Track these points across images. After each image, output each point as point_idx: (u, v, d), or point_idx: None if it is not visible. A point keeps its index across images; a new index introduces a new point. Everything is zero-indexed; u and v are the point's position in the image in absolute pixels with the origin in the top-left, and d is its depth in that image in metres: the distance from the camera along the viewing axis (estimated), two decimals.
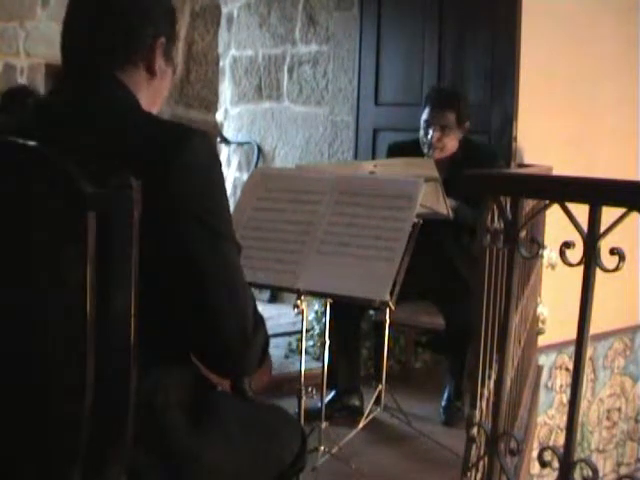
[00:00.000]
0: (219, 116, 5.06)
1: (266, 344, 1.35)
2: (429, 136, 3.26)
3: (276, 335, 4.10)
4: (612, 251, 1.37)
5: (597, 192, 1.43)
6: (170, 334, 1.30)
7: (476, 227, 1.79)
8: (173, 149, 1.23)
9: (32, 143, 1.20)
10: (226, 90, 5.56)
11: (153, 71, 1.39)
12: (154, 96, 1.42)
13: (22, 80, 5.35)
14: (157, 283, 1.23)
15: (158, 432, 1.30)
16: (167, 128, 1.30)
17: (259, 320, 1.34)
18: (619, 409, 4.95)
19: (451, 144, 3.28)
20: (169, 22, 1.44)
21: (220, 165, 1.31)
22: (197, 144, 1.25)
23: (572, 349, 1.50)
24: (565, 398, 4.41)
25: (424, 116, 3.30)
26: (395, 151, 3.41)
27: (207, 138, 1.29)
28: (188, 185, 1.23)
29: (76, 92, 1.36)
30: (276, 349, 3.88)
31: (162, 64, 1.41)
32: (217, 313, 1.26)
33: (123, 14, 1.36)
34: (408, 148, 3.35)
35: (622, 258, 1.37)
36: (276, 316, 4.61)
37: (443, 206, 2.95)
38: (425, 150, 3.29)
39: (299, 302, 2.55)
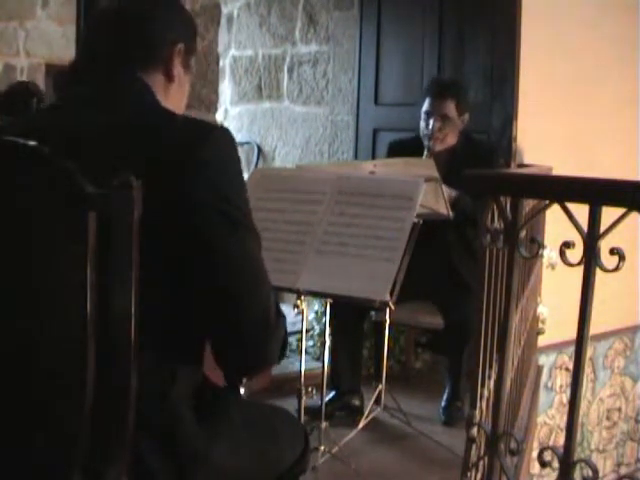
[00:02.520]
0: (219, 116, 5.06)
1: (285, 338, 1.36)
2: (430, 126, 3.26)
3: None
4: (612, 251, 1.37)
5: (597, 192, 1.43)
6: (183, 332, 1.30)
7: (476, 217, 1.79)
8: (196, 144, 1.26)
9: (32, 143, 1.20)
10: (226, 90, 5.56)
11: (171, 76, 1.43)
12: (172, 101, 1.44)
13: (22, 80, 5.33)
14: (176, 278, 1.25)
15: (164, 431, 1.30)
16: (189, 125, 1.32)
17: (280, 312, 1.35)
18: (619, 409, 4.95)
19: (451, 135, 3.29)
20: (188, 31, 1.48)
21: (239, 159, 1.33)
22: (218, 139, 1.29)
23: (572, 349, 1.50)
24: (565, 398, 4.41)
25: (424, 107, 3.30)
26: (396, 149, 3.41)
27: (227, 133, 1.32)
28: (210, 178, 1.26)
29: (99, 93, 1.37)
30: None
31: (181, 72, 1.45)
32: (239, 303, 1.27)
33: (142, 19, 1.40)
34: (409, 145, 3.36)
35: (622, 258, 1.37)
36: None
37: (443, 206, 2.95)
38: (425, 142, 3.29)
39: (299, 302, 2.55)
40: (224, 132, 1.32)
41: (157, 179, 1.20)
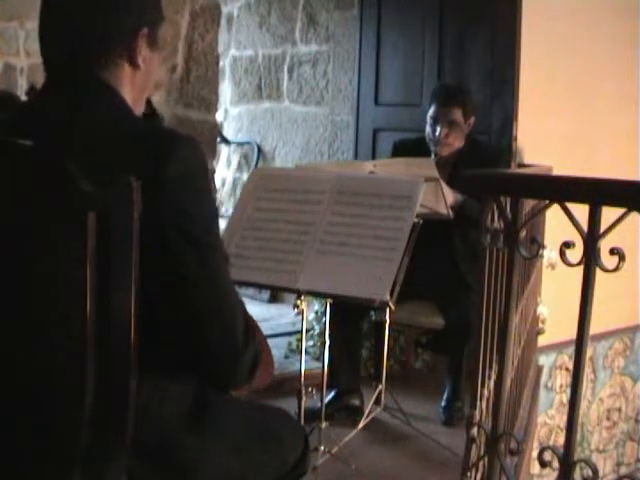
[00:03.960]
0: (219, 116, 5.06)
1: (257, 355, 1.31)
2: (436, 132, 3.27)
3: (276, 335, 4.10)
4: (612, 251, 1.37)
5: (597, 192, 1.43)
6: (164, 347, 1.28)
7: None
8: (160, 161, 1.20)
9: (32, 143, 1.20)
10: (226, 90, 5.56)
11: (136, 65, 1.34)
12: (141, 87, 1.38)
13: (22, 80, 5.35)
14: (149, 294, 1.20)
15: (158, 438, 1.30)
16: (152, 139, 1.26)
17: (251, 329, 1.30)
18: (619, 409, 4.95)
19: (458, 140, 3.30)
20: (151, 6, 1.37)
21: (207, 172, 1.28)
22: (182, 154, 1.23)
23: (572, 349, 1.50)
24: (565, 398, 4.41)
25: (431, 113, 3.31)
26: (401, 149, 3.42)
27: (193, 145, 1.26)
28: (173, 197, 1.21)
29: (58, 101, 1.32)
30: (276, 349, 3.88)
31: (147, 53, 1.36)
32: (204, 327, 1.23)
33: (99, 12, 1.31)
34: (414, 146, 3.37)
35: (622, 258, 1.37)
36: (276, 316, 4.62)
37: (443, 206, 2.96)
38: (432, 147, 3.30)
39: (299, 302, 2.55)
40: (189, 144, 1.25)
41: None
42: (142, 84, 1.38)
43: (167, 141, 1.24)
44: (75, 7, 1.32)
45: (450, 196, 3.04)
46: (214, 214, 1.30)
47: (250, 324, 1.31)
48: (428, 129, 3.32)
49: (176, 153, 1.22)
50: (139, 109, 1.40)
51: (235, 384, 1.34)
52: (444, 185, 2.99)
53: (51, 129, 1.28)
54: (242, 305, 1.31)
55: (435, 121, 3.29)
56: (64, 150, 1.22)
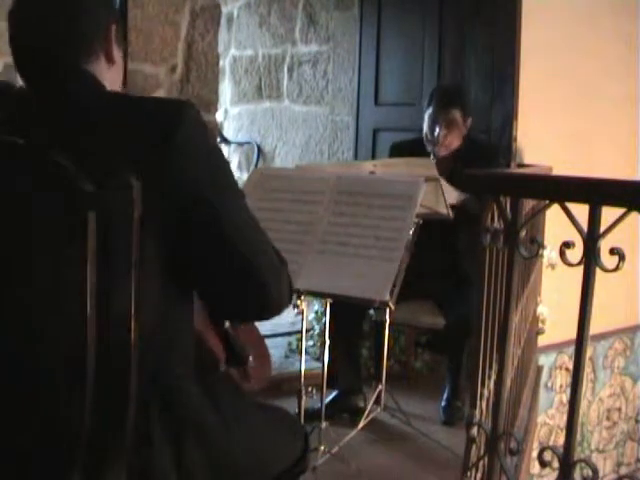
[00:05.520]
0: (219, 116, 5.06)
1: (291, 281, 1.43)
2: (435, 133, 3.27)
3: (276, 335, 4.09)
4: (612, 251, 1.37)
5: (597, 192, 1.43)
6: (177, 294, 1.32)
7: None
8: (169, 129, 1.24)
9: (32, 143, 1.20)
10: (226, 90, 5.56)
11: (112, 59, 1.39)
12: (112, 82, 1.40)
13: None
14: (183, 254, 1.27)
15: (163, 399, 1.29)
16: (155, 108, 1.30)
17: (282, 259, 1.42)
18: (619, 409, 4.95)
19: (456, 141, 3.31)
20: (115, 3, 1.46)
21: (207, 127, 1.35)
22: (188, 116, 1.27)
23: (572, 349, 1.50)
24: (565, 398, 4.41)
25: (429, 114, 3.31)
26: (398, 150, 3.42)
27: (194, 108, 1.30)
28: (192, 157, 1.26)
29: (46, 92, 1.33)
30: (276, 349, 3.88)
31: (116, 50, 1.40)
32: (249, 252, 1.33)
33: (79, 3, 1.34)
34: (411, 147, 3.37)
35: (622, 258, 1.37)
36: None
37: (443, 206, 2.95)
38: (430, 148, 3.30)
39: (299, 302, 2.55)
40: (189, 108, 1.29)
41: (139, 171, 1.18)
42: (114, 81, 1.41)
43: (169, 109, 1.28)
44: (54, 2, 1.34)
45: (451, 195, 3.04)
46: (227, 160, 1.38)
47: (281, 256, 1.42)
48: (426, 130, 3.32)
49: (182, 118, 1.26)
50: None
51: (282, 304, 1.42)
52: (445, 184, 2.99)
53: (45, 123, 1.28)
54: (267, 236, 1.41)
55: (434, 122, 3.29)
56: (61, 145, 1.21)
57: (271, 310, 1.42)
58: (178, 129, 1.24)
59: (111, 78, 1.40)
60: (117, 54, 1.40)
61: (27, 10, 1.36)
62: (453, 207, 3.02)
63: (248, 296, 1.37)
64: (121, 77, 1.46)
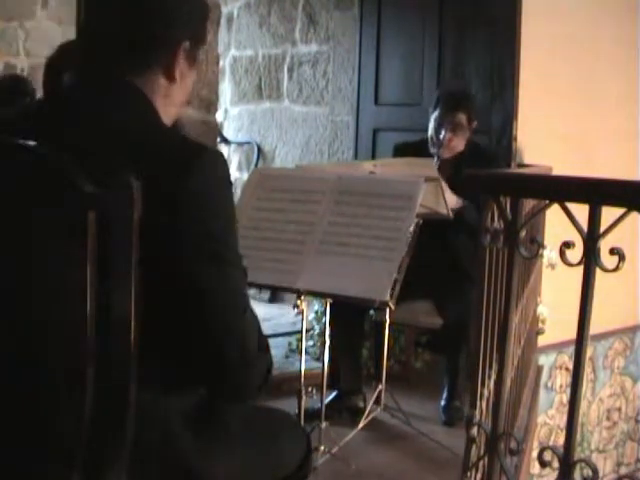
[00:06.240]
0: (219, 116, 5.06)
1: (268, 372, 1.31)
2: (441, 136, 3.27)
3: (276, 335, 4.10)
4: (612, 251, 1.37)
5: (597, 192, 1.43)
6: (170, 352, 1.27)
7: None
8: (183, 173, 1.19)
9: (32, 143, 1.20)
10: (226, 90, 5.56)
11: (172, 77, 1.32)
12: (172, 102, 1.35)
13: None
14: (158, 300, 1.20)
15: (159, 444, 1.29)
16: (178, 148, 1.24)
17: (263, 346, 1.30)
18: (619, 409, 4.95)
19: (460, 144, 3.31)
20: (197, 22, 1.36)
21: (230, 186, 1.26)
22: (207, 166, 1.21)
23: (572, 349, 1.50)
24: (565, 398, 4.41)
25: (435, 117, 3.31)
26: (401, 152, 3.42)
27: (219, 158, 1.25)
28: (196, 211, 1.20)
29: (87, 95, 1.30)
30: (276, 349, 3.88)
31: (185, 68, 1.34)
32: (218, 340, 1.23)
33: (147, 18, 1.29)
34: (415, 148, 3.37)
35: (622, 258, 1.37)
36: (276, 316, 4.62)
37: (443, 206, 2.96)
38: (433, 149, 3.30)
39: (299, 302, 2.55)
40: (214, 157, 1.23)
41: (140, 171, 1.15)
42: (174, 98, 1.36)
43: (191, 152, 1.22)
44: (125, 11, 1.29)
45: (450, 199, 3.04)
46: (235, 229, 1.28)
47: (264, 340, 1.31)
48: (431, 132, 3.32)
49: (199, 167, 1.20)
50: (167, 123, 1.37)
51: (243, 398, 1.35)
52: (444, 185, 2.99)
53: (47, 122, 1.27)
54: (257, 321, 1.30)
55: (440, 125, 3.29)
56: (61, 145, 1.20)
57: (228, 401, 1.36)
58: (190, 177, 1.18)
59: (170, 97, 1.34)
60: (186, 73, 1.34)
61: (99, 12, 1.34)
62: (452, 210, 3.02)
63: (207, 378, 1.28)
64: (183, 98, 1.39)
